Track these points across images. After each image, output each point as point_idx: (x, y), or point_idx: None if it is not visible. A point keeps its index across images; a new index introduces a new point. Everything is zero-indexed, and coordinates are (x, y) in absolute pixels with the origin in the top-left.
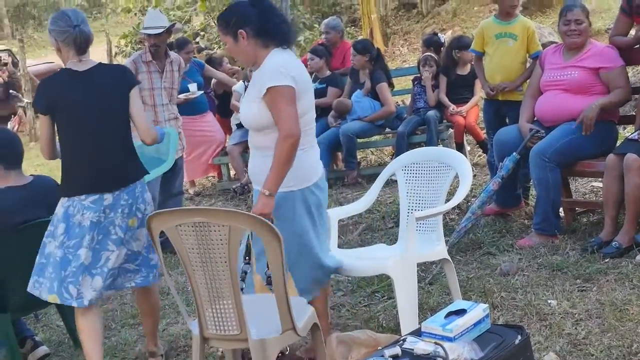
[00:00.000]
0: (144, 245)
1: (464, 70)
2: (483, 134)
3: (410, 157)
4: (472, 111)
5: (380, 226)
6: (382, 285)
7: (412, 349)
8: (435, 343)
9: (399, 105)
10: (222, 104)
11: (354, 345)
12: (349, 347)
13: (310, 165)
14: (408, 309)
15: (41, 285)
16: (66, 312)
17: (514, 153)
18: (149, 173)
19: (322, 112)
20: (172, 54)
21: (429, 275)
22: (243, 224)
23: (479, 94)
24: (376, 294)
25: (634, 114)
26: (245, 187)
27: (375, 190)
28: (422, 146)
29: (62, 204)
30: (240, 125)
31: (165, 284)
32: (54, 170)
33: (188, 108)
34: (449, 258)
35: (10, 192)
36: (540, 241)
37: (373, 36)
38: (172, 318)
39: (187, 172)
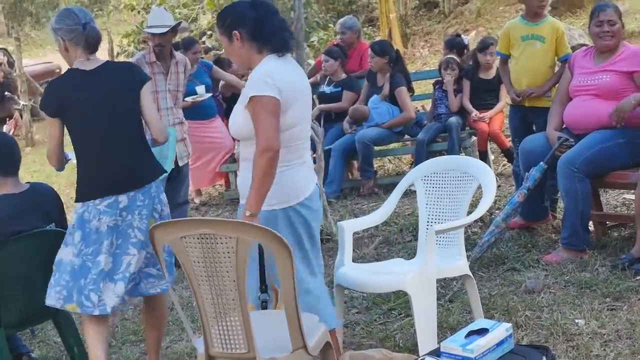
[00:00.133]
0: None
1: (488, 74)
2: (508, 142)
3: (430, 167)
4: (497, 118)
5: (398, 239)
6: (399, 302)
7: None
8: None
9: (418, 111)
10: (230, 108)
11: None
12: None
13: (295, 182)
14: (426, 328)
15: (59, 296)
16: (64, 328)
17: (541, 163)
18: (166, 172)
19: (337, 117)
20: (178, 55)
21: (449, 292)
22: (251, 235)
23: (505, 99)
24: (393, 312)
25: None
26: None
27: (392, 201)
28: (443, 155)
29: (76, 210)
30: None
31: (169, 298)
32: (51, 176)
33: (195, 112)
34: (471, 274)
35: (5, 201)
36: (568, 257)
37: (392, 37)
38: (176, 335)
39: (193, 181)
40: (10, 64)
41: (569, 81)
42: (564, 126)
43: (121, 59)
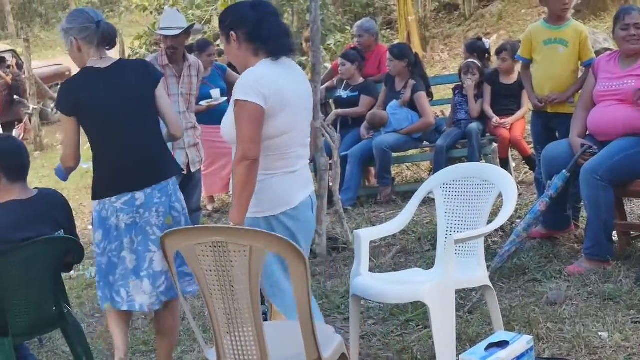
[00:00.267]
0: None
1: (510, 79)
2: (530, 149)
3: (449, 174)
4: (518, 124)
5: (416, 249)
6: (417, 314)
7: None
8: None
9: (438, 116)
10: None
11: None
12: None
13: (278, 191)
14: (445, 340)
15: (100, 297)
16: (72, 337)
17: (564, 171)
18: (183, 170)
19: (353, 122)
20: (191, 58)
21: (468, 303)
22: (265, 244)
23: (527, 105)
24: (410, 323)
25: None
26: None
27: (410, 209)
28: (463, 161)
29: (94, 208)
30: None
31: (181, 308)
32: (60, 182)
33: (209, 117)
34: (491, 285)
35: (13, 207)
36: (591, 267)
37: (410, 40)
38: (187, 345)
39: (205, 187)
40: (19, 66)
41: (592, 86)
42: (588, 133)
43: None
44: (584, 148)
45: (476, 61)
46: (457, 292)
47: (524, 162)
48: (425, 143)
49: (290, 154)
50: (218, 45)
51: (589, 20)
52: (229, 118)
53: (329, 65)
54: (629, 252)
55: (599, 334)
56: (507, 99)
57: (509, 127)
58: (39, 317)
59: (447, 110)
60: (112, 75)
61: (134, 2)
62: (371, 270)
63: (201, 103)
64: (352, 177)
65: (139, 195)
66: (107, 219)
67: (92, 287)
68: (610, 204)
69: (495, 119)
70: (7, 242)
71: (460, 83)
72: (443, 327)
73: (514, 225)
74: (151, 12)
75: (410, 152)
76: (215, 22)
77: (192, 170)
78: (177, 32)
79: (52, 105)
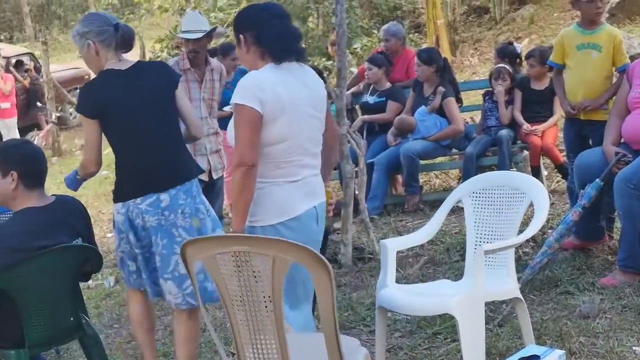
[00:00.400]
0: None
1: (541, 85)
2: (562, 157)
3: (479, 182)
4: (551, 131)
5: (444, 259)
6: (445, 326)
7: None
8: None
9: (467, 123)
10: None
11: None
12: None
13: (277, 201)
14: (474, 354)
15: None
16: (90, 348)
17: (597, 179)
18: (204, 171)
19: (380, 129)
20: (213, 62)
21: (498, 315)
22: (289, 254)
23: (559, 112)
24: (438, 336)
25: None
26: None
27: (439, 218)
28: (493, 170)
29: (118, 210)
30: None
31: (202, 319)
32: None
33: None
34: (522, 297)
35: (30, 214)
36: (625, 280)
37: (439, 44)
38: (208, 358)
39: (227, 194)
40: (37, 70)
41: (627, 93)
42: (622, 141)
43: None
44: (618, 156)
45: (507, 66)
46: (487, 304)
47: (556, 170)
48: (454, 150)
49: (291, 162)
50: None
51: (623, 24)
52: (232, 123)
53: (355, 70)
54: None
55: (634, 348)
56: (538, 105)
57: (540, 135)
58: (56, 327)
59: (477, 116)
60: (133, 77)
61: (155, 3)
62: (398, 281)
63: (224, 108)
64: (379, 185)
65: (164, 197)
66: (134, 219)
67: (111, 297)
68: None
69: (526, 125)
70: (24, 250)
71: (490, 89)
72: (472, 340)
73: (545, 235)
74: (172, 14)
75: (439, 159)
76: None
77: (214, 177)
78: (199, 35)
79: (71, 110)
